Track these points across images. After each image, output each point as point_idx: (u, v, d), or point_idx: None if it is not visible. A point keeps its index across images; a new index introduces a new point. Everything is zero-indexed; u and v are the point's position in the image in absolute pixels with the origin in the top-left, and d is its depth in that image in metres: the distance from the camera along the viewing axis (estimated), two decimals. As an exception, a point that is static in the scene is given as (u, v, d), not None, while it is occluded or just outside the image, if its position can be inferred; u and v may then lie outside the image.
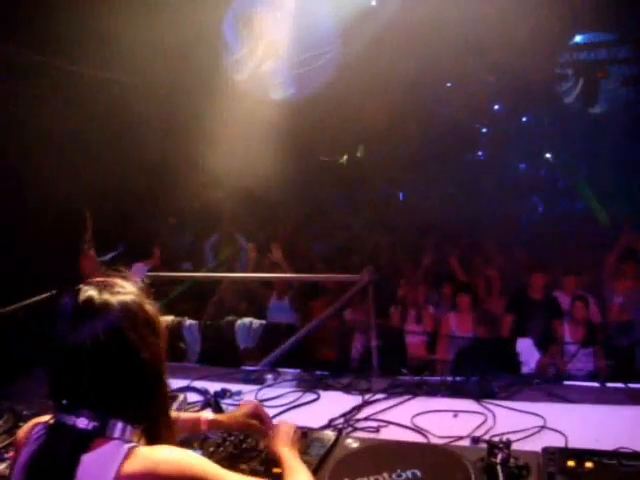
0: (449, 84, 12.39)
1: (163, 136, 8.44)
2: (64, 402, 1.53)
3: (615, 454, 2.19)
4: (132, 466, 1.45)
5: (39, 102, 6.44)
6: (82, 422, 1.50)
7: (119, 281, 1.62)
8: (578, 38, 11.33)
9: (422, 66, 9.63)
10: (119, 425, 1.52)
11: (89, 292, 1.55)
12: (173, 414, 2.00)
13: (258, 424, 2.31)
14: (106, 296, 1.55)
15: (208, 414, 2.33)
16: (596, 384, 3.29)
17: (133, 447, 1.49)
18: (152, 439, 1.57)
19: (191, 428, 2.27)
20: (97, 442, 1.48)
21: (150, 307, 1.62)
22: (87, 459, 1.46)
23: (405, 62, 9.47)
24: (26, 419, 2.74)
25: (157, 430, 1.59)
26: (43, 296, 3.95)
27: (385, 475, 2.14)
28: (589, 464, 2.10)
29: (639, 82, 10.57)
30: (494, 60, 9.98)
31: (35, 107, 6.34)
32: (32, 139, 6.37)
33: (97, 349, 1.49)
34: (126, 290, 1.59)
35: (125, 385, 1.52)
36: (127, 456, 1.46)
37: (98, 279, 1.62)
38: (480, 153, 15.92)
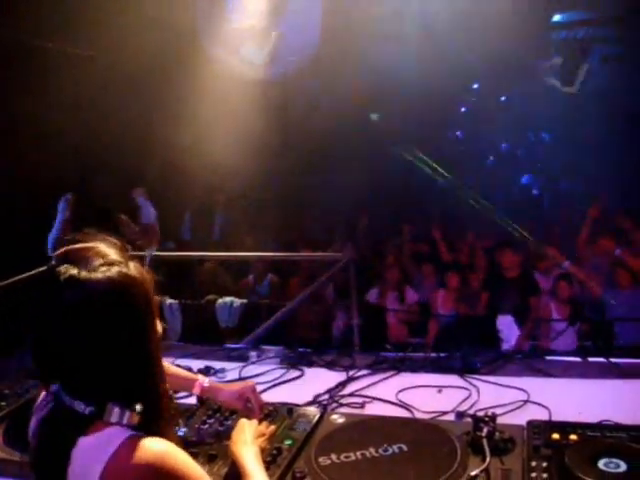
0: (428, 62, 12.37)
1: (141, 114, 8.33)
2: (56, 387, 1.48)
3: (599, 426, 2.22)
4: (127, 455, 1.39)
5: (11, 80, 6.33)
6: (79, 405, 1.44)
7: (99, 248, 1.48)
8: (557, 17, 11.33)
9: (402, 46, 9.60)
10: (116, 409, 1.44)
11: (69, 272, 1.41)
12: (169, 366, 1.97)
13: (245, 408, 2.30)
14: (86, 274, 1.42)
15: (204, 379, 2.33)
16: (578, 359, 3.33)
17: (131, 437, 1.43)
18: (149, 422, 1.49)
19: (183, 386, 2.28)
20: (96, 425, 1.43)
21: (137, 274, 1.48)
22: (83, 442, 1.41)
23: (385, 42, 9.44)
24: (7, 399, 2.73)
25: (155, 412, 1.51)
26: (32, 272, 3.84)
27: (372, 450, 2.15)
28: (573, 436, 2.12)
29: (619, 61, 10.60)
30: (473, 38, 9.96)
31: (8, 86, 6.23)
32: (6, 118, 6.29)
33: (86, 330, 1.40)
34: (109, 260, 1.46)
35: (119, 365, 1.44)
36: (125, 444, 1.41)
37: (75, 248, 1.48)
38: (459, 133, 15.92)
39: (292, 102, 9.90)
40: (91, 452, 1.41)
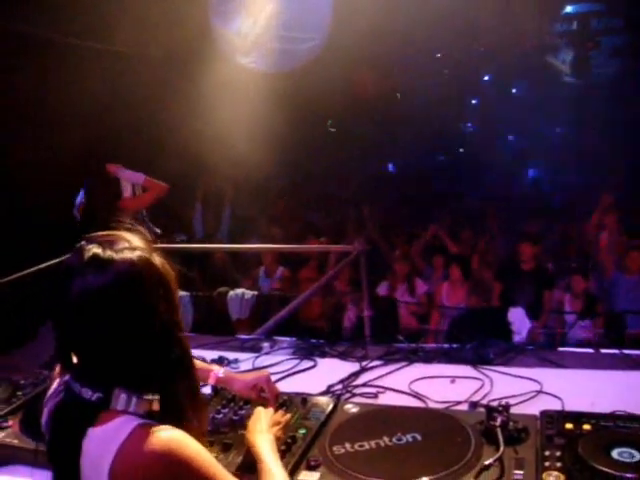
0: (438, 54, 12.34)
1: (157, 107, 8.35)
2: (71, 367, 1.48)
3: (612, 416, 2.22)
4: (138, 444, 1.38)
5: (32, 75, 6.38)
6: (86, 392, 1.44)
7: (125, 235, 1.51)
8: (569, 8, 11.28)
9: (410, 37, 9.58)
10: (123, 396, 1.43)
11: (93, 250, 1.43)
12: None
13: (259, 397, 2.32)
14: (110, 253, 1.43)
15: (220, 369, 2.33)
16: (590, 350, 3.33)
17: (143, 424, 1.42)
18: (169, 411, 1.48)
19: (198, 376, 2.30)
20: (105, 415, 1.42)
21: (160, 264, 1.49)
22: (93, 433, 1.41)
23: (393, 33, 9.42)
24: (23, 388, 2.76)
25: (171, 403, 1.49)
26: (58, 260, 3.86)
27: (385, 439, 2.16)
28: (587, 426, 2.12)
29: (629, 52, 10.54)
30: (484, 30, 9.93)
31: (30, 80, 6.29)
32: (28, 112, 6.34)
33: (100, 311, 1.40)
34: (133, 245, 1.47)
35: (131, 351, 1.43)
36: (134, 433, 1.39)
37: (102, 234, 1.50)
38: (469, 125, 15.88)
39: (303, 92, 9.88)
40: (101, 442, 1.40)
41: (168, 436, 1.41)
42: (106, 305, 1.41)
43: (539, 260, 6.94)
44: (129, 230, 1.55)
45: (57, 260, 3.58)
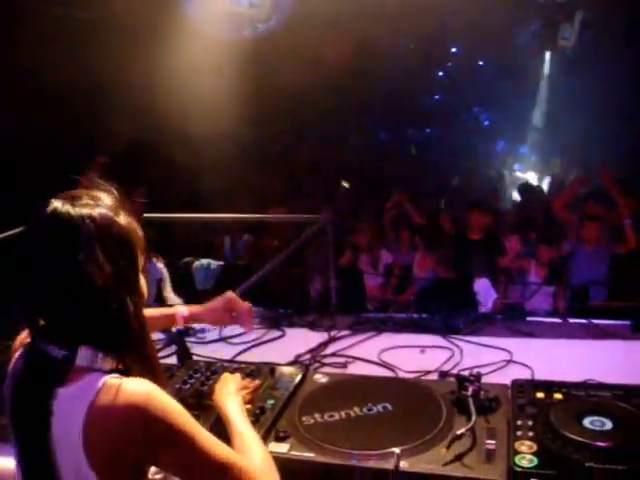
0: (406, 25, 12.22)
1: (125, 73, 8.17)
2: (37, 329, 1.45)
3: (582, 385, 2.21)
4: (110, 398, 1.36)
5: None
6: (53, 350, 1.41)
7: (94, 193, 1.47)
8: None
9: (378, 6, 9.47)
10: (88, 352, 1.40)
11: (54, 204, 1.40)
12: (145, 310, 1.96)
13: (233, 320, 2.30)
14: (68, 207, 1.39)
15: (183, 309, 2.29)
16: (558, 320, 3.33)
17: (113, 378, 1.40)
18: (130, 368, 1.46)
19: (164, 323, 2.24)
20: (73, 375, 1.39)
21: (125, 223, 1.46)
22: (63, 392, 1.38)
23: (362, 7, 9.31)
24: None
25: (135, 359, 1.47)
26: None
27: (356, 409, 2.13)
28: (558, 395, 2.11)
29: (598, 25, 10.56)
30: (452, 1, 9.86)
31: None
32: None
33: (58, 267, 1.37)
34: (97, 202, 1.44)
35: (92, 310, 1.40)
36: (105, 387, 1.37)
37: (74, 190, 1.47)
38: (437, 97, 15.85)
39: (267, 61, 9.78)
40: (72, 401, 1.37)
41: (140, 387, 1.40)
42: (64, 261, 1.37)
43: (489, 229, 6.97)
44: (101, 189, 1.51)
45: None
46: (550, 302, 6.03)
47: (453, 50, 14.11)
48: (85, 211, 1.40)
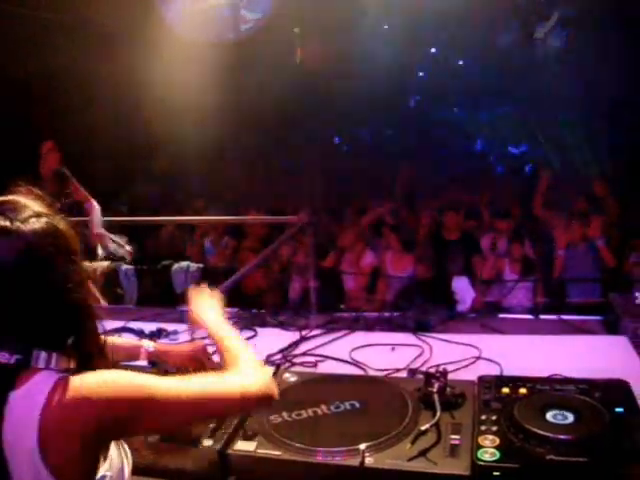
0: (386, 26, 12.25)
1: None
2: None
3: (548, 380, 2.24)
4: (61, 396, 1.35)
5: None
6: (3, 356, 1.38)
7: (26, 201, 1.46)
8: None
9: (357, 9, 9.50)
10: (43, 355, 1.39)
11: (1, 222, 1.39)
12: (113, 339, 1.93)
13: (198, 369, 2.26)
14: (17, 224, 1.39)
15: (149, 344, 2.25)
16: (530, 316, 3.36)
17: (63, 377, 1.39)
18: (82, 364, 1.45)
19: (128, 355, 2.21)
20: (24, 377, 1.37)
21: (65, 228, 1.46)
22: (15, 396, 1.36)
23: (343, 9, 9.34)
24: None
25: (89, 356, 1.47)
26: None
27: (323, 407, 2.14)
28: (523, 390, 2.13)
29: (577, 24, 10.63)
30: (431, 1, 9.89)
31: None
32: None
33: (11, 283, 1.37)
34: (37, 212, 1.43)
35: (43, 314, 1.40)
36: (56, 386, 1.36)
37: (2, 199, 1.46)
38: (419, 97, 15.88)
39: (248, 64, 9.76)
40: (24, 401, 1.35)
41: (93, 378, 1.39)
42: (17, 276, 1.37)
43: (464, 228, 7.02)
44: (27, 194, 1.49)
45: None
46: (528, 297, 6.09)
47: (432, 50, 14.14)
48: (33, 225, 1.40)
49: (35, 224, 1.41)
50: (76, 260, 1.47)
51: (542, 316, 3.32)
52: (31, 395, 1.36)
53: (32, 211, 1.43)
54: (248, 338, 3.07)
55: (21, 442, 1.35)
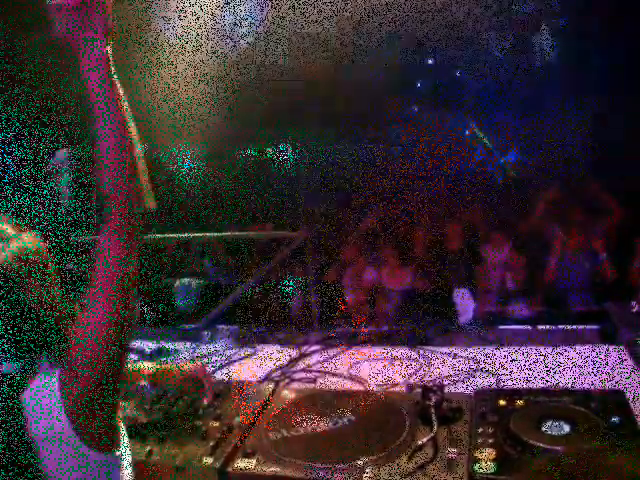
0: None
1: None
2: None
3: (544, 391, 2.26)
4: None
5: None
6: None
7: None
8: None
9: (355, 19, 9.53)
10: (44, 364, 1.47)
11: None
12: None
13: (195, 389, 2.30)
14: None
15: (147, 365, 2.29)
16: (528, 327, 3.37)
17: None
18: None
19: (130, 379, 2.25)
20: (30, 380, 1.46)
21: (33, 243, 1.50)
22: (28, 395, 1.44)
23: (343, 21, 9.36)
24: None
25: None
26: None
27: (322, 423, 2.16)
28: (520, 402, 2.15)
29: (570, 35, 10.68)
30: (427, 12, 9.93)
31: None
32: None
33: None
34: (7, 235, 1.47)
35: (33, 324, 1.46)
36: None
37: None
38: (416, 109, 15.93)
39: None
40: (42, 397, 1.44)
41: None
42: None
43: (465, 239, 7.00)
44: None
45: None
46: (527, 308, 6.07)
47: (430, 62, 14.22)
48: (7, 251, 1.43)
49: (6, 250, 1.44)
50: (46, 271, 1.50)
51: (540, 326, 3.32)
52: (45, 393, 1.44)
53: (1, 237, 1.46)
54: (247, 356, 3.09)
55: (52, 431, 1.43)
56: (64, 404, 1.43)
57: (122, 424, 1.59)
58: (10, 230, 1.49)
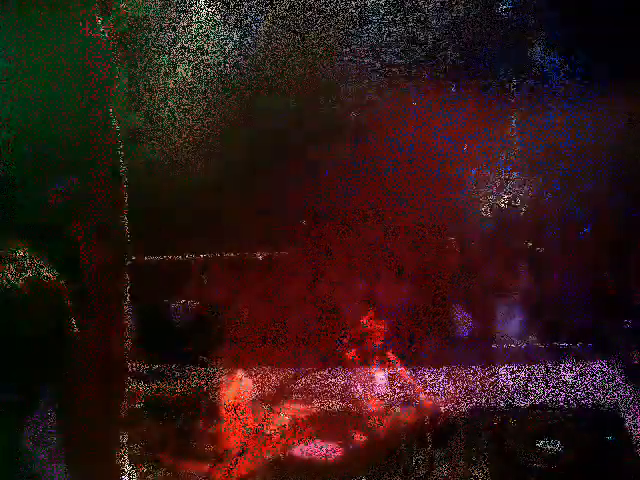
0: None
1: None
2: None
3: (538, 408, 2.26)
4: None
5: None
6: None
7: (13, 255, 1.52)
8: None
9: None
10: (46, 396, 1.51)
11: None
12: None
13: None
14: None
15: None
16: (524, 344, 3.36)
17: None
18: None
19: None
20: None
21: (45, 282, 1.54)
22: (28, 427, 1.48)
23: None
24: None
25: None
26: None
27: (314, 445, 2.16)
28: (513, 420, 2.15)
29: (568, 47, 10.71)
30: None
31: None
32: None
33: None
34: (17, 269, 1.50)
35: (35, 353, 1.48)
36: None
37: None
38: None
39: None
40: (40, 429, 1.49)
41: None
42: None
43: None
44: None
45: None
46: (522, 326, 6.04)
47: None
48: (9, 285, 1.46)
49: (18, 281, 1.44)
50: (60, 307, 1.50)
51: (535, 344, 3.31)
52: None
53: (14, 268, 1.47)
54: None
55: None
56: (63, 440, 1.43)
57: (127, 463, 1.58)
58: (28, 258, 1.48)
